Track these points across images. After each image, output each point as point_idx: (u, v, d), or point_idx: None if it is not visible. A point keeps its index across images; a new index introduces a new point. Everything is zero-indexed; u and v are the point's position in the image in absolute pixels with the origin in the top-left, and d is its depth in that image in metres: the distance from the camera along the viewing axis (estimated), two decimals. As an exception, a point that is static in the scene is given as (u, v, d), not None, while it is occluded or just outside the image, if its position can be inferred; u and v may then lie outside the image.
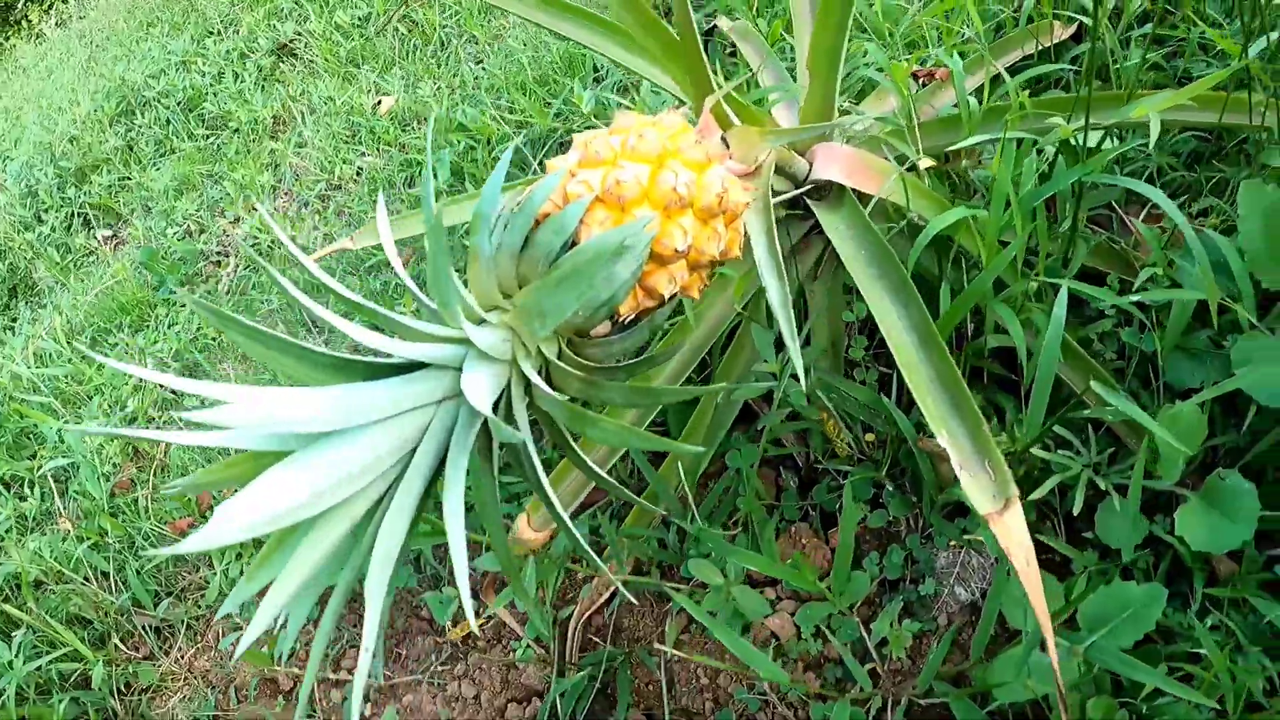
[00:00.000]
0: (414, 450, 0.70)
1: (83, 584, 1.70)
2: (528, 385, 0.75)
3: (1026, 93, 1.12)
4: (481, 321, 0.74)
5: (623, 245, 0.72)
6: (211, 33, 2.79)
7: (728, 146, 0.91)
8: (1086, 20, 1.29)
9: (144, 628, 1.65)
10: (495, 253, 0.76)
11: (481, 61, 2.17)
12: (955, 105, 1.24)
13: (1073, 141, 1.03)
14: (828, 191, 1.14)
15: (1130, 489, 0.94)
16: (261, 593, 0.62)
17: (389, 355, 0.72)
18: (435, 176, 1.88)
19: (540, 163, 1.72)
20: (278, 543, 0.69)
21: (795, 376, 1.06)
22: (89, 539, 1.72)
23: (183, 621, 1.64)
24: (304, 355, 0.70)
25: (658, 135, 0.80)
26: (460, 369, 0.72)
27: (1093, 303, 1.09)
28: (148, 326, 2.05)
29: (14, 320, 2.42)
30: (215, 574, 1.59)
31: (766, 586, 1.17)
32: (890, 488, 1.16)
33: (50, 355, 2.06)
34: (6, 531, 1.87)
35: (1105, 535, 1.02)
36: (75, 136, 2.65)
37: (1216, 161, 1.23)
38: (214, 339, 1.95)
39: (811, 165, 1.13)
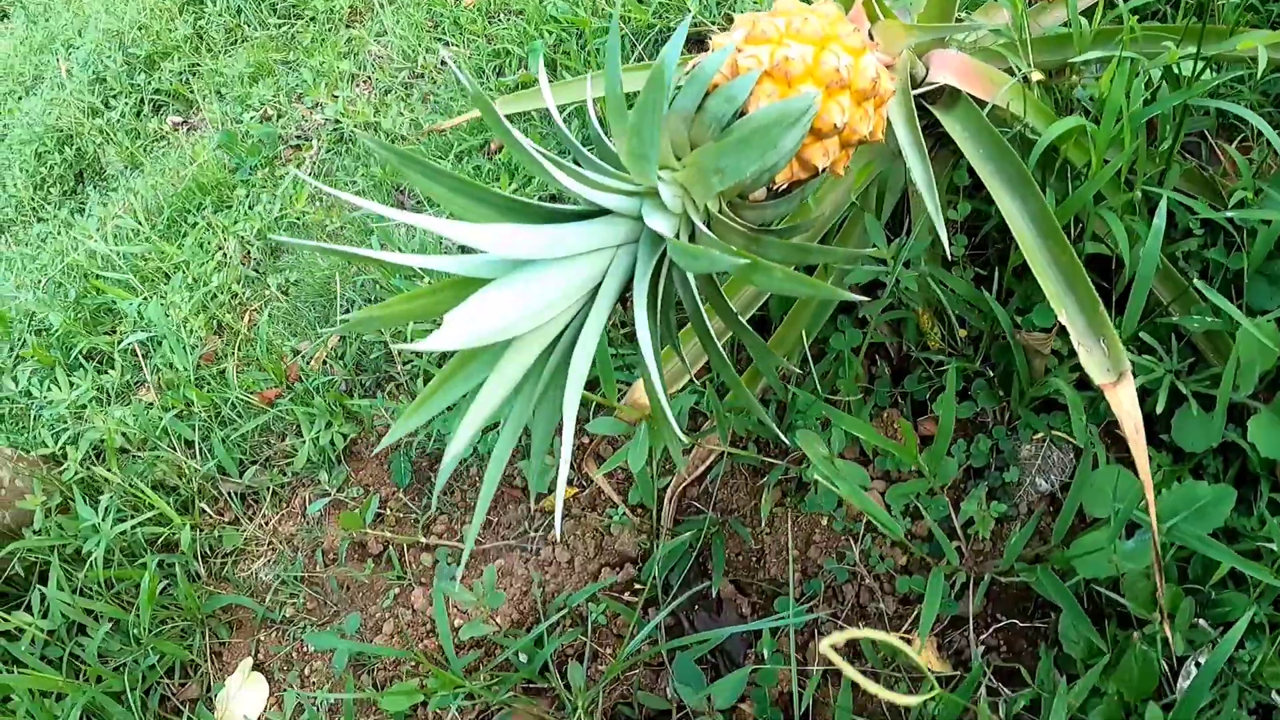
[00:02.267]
0: (599, 285, 0.83)
1: (168, 451, 1.84)
2: (692, 237, 0.87)
3: (1135, 17, 1.21)
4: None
5: (798, 114, 0.83)
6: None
7: (872, 38, 1.02)
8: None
9: (229, 494, 1.80)
10: (669, 116, 0.87)
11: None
12: (1063, 25, 1.34)
13: (1175, 69, 1.12)
14: (940, 96, 1.24)
15: (1220, 391, 1.05)
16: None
17: (575, 202, 0.85)
18: (527, 68, 1.97)
19: (641, 55, 1.81)
20: (458, 365, 0.82)
21: (906, 264, 1.18)
22: (174, 408, 1.86)
23: (268, 488, 1.78)
24: (484, 198, 0.82)
25: (819, 20, 0.90)
26: (638, 218, 0.84)
27: (1181, 222, 1.19)
28: (228, 207, 2.17)
29: (83, 204, 2.55)
30: (304, 442, 1.73)
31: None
32: (981, 380, 1.28)
33: (128, 234, 2.18)
34: (89, 402, 2.01)
35: (1181, 439, 1.13)
36: (144, 24, 2.74)
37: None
38: (298, 219, 2.07)
39: (927, 70, 1.23)
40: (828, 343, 1.31)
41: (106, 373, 2.04)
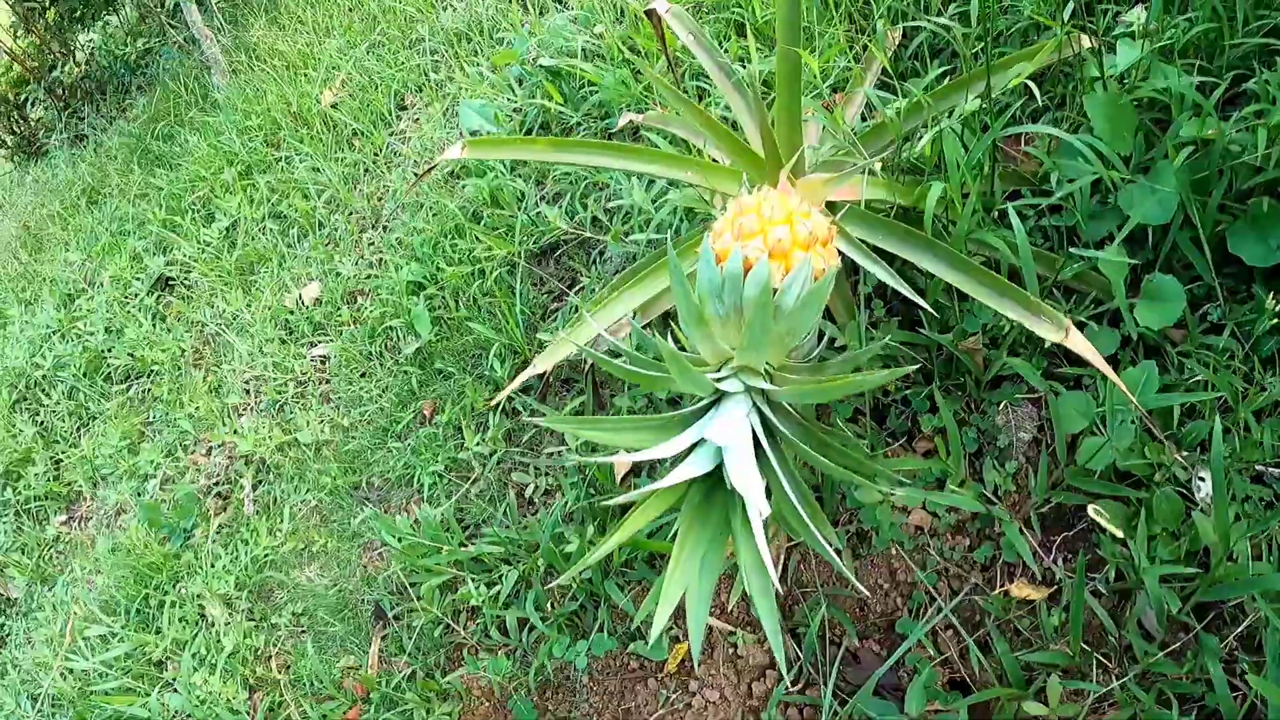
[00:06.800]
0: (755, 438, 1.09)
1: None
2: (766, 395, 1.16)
3: (923, 91, 1.64)
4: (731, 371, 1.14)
5: (829, 282, 1.15)
6: (74, 294, 2.88)
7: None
8: (915, 24, 1.84)
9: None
10: (726, 313, 1.17)
11: (382, 228, 2.50)
12: (863, 118, 1.77)
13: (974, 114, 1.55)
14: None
15: (1118, 297, 1.46)
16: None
17: (693, 400, 1.12)
18: (417, 334, 2.18)
19: (528, 280, 2.08)
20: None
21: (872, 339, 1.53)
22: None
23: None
24: (648, 425, 1.08)
25: (776, 205, 1.24)
26: (746, 391, 1.12)
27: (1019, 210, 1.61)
28: (187, 575, 2.19)
29: (5, 637, 2.44)
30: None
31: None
32: (940, 393, 1.64)
33: (98, 641, 2.14)
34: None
35: (1097, 348, 1.53)
36: (-19, 440, 2.67)
37: (1050, 89, 1.81)
38: (273, 555, 2.13)
39: (800, 192, 1.60)
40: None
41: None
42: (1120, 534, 1.20)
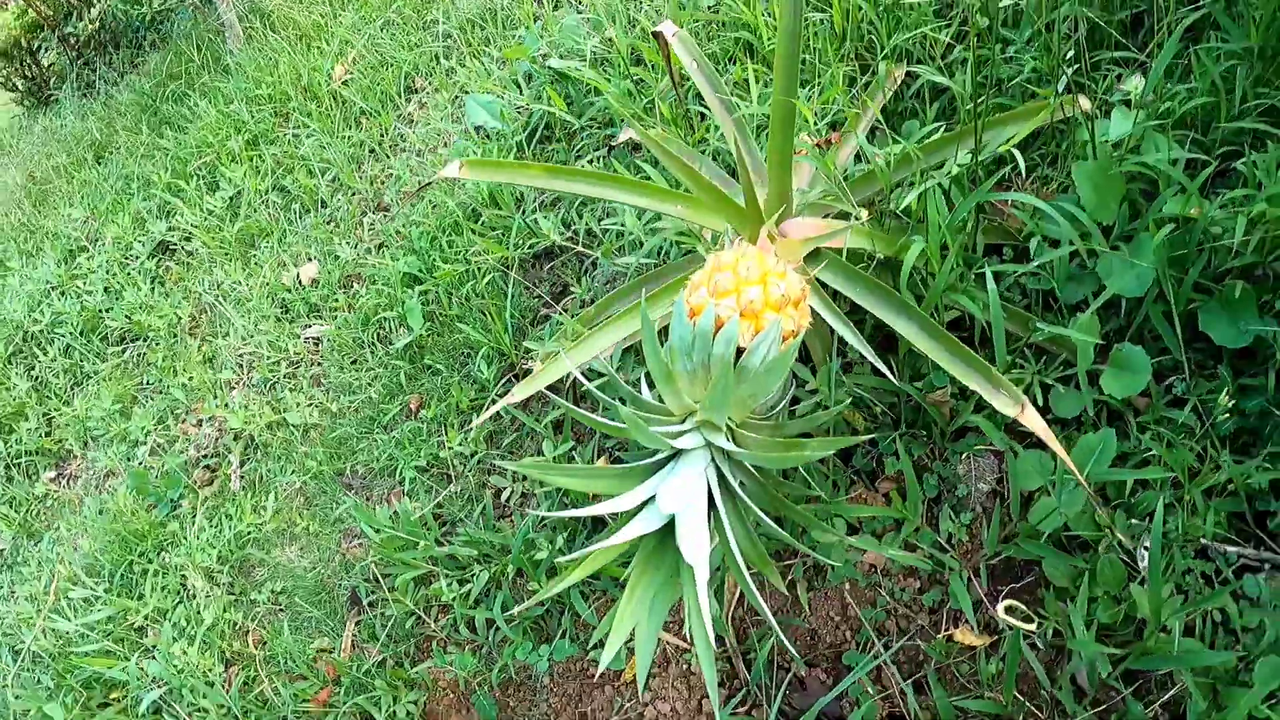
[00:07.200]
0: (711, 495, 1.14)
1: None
2: (734, 441, 1.21)
3: (915, 144, 1.67)
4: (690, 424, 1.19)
5: (794, 348, 1.19)
6: (75, 251, 2.92)
7: (774, 254, 1.40)
8: (918, 67, 1.87)
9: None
10: (694, 369, 1.21)
11: (383, 214, 2.52)
12: (857, 160, 1.80)
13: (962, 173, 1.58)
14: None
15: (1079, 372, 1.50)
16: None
17: (656, 452, 1.17)
18: (409, 327, 2.22)
19: (520, 284, 2.12)
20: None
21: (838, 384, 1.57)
22: (231, 746, 1.95)
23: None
24: (598, 474, 1.12)
25: (755, 264, 1.28)
26: (706, 445, 1.17)
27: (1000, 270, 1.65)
28: (171, 545, 2.25)
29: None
30: (373, 721, 1.88)
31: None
32: (907, 437, 1.69)
33: (80, 603, 2.21)
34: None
35: (1060, 410, 1.58)
36: (-24, 390, 2.73)
37: (1044, 145, 1.84)
38: (257, 533, 2.20)
39: (785, 237, 1.63)
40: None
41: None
42: (1032, 629, 1.26)
